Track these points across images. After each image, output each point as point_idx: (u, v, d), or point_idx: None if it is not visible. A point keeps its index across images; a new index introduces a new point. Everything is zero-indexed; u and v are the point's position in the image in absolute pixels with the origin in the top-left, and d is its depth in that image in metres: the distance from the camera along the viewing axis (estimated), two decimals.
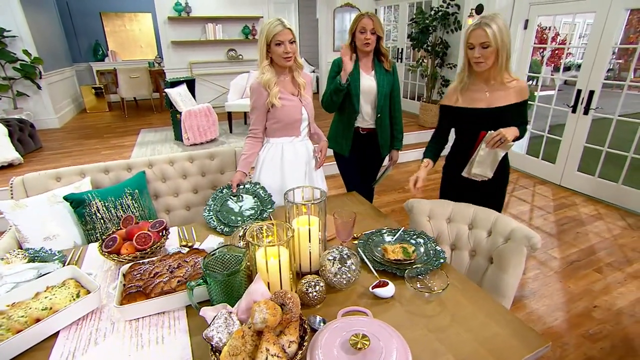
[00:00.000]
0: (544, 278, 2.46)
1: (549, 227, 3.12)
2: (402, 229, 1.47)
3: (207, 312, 0.93)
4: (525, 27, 4.04)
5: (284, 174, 1.90)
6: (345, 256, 1.15)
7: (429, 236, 1.42)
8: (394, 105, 2.19)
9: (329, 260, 1.15)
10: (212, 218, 1.63)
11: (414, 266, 1.21)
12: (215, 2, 6.19)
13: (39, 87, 5.43)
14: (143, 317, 1.07)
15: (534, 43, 4.08)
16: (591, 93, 3.49)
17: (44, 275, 1.19)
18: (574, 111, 3.67)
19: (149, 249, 1.31)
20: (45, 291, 1.10)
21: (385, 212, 1.85)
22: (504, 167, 1.71)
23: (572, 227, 3.09)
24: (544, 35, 7.03)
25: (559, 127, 3.95)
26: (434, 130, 1.88)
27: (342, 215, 1.30)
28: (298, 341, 0.87)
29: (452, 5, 4.86)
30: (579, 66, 4.08)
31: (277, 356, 0.80)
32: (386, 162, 2.37)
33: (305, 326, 0.92)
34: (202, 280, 1.02)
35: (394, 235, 1.43)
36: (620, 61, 9.45)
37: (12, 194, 1.74)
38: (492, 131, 1.57)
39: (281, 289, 1.04)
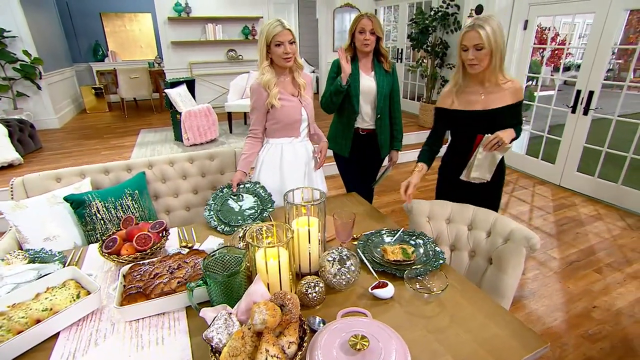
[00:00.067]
0: (543, 278, 2.46)
1: (549, 227, 3.12)
2: (402, 229, 1.47)
3: (207, 313, 0.93)
4: (525, 28, 4.05)
5: (283, 175, 1.91)
6: (344, 257, 1.15)
7: (429, 237, 1.42)
8: (393, 106, 2.20)
9: (329, 261, 1.15)
10: (212, 218, 1.63)
11: (413, 267, 1.21)
12: (215, 2, 6.19)
13: (39, 88, 5.43)
14: (143, 318, 1.07)
15: (534, 43, 4.08)
16: (591, 93, 3.49)
17: (44, 276, 1.19)
18: (573, 111, 3.68)
19: (149, 250, 1.31)
20: (45, 292, 1.10)
21: (384, 212, 1.85)
22: (500, 168, 1.71)
23: (571, 228, 3.10)
24: (544, 36, 7.04)
25: (559, 127, 3.96)
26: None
27: (341, 216, 1.30)
28: (297, 342, 0.87)
29: (451, 5, 4.86)
30: (578, 66, 4.09)
31: (277, 357, 0.80)
32: (386, 162, 2.37)
33: (305, 327, 0.92)
34: (202, 281, 1.03)
35: (394, 236, 1.43)
36: (620, 61, 9.45)
37: (12, 195, 1.74)
38: (489, 134, 1.57)
39: (281, 290, 1.04)
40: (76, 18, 7.61)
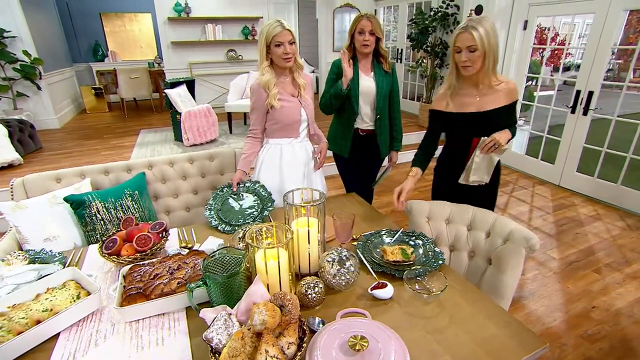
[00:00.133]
0: (542, 279, 2.46)
1: (548, 227, 3.12)
2: (401, 230, 1.47)
3: (206, 313, 0.93)
4: (525, 28, 4.05)
5: (282, 175, 1.91)
6: (344, 257, 1.16)
7: (428, 237, 1.42)
8: (393, 106, 2.20)
9: (328, 261, 1.15)
10: (213, 217, 1.64)
11: (412, 267, 1.22)
12: (215, 2, 6.19)
13: (39, 88, 5.43)
14: (143, 319, 1.07)
15: (534, 43, 4.08)
16: (590, 93, 3.49)
17: (44, 276, 1.19)
18: (573, 112, 3.68)
19: (149, 251, 1.31)
20: (45, 293, 1.11)
21: (384, 213, 1.86)
22: (495, 168, 1.71)
23: (571, 228, 3.10)
24: (544, 36, 7.05)
25: (558, 127, 3.96)
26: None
27: (341, 216, 1.31)
28: (297, 342, 0.87)
29: (451, 5, 4.86)
30: (578, 66, 4.09)
31: (276, 357, 0.80)
32: (385, 163, 2.38)
33: (305, 327, 0.92)
34: (201, 282, 1.03)
35: (393, 237, 1.43)
36: (619, 61, 9.46)
37: (12, 195, 1.74)
38: (485, 137, 1.56)
39: (280, 290, 1.05)
40: (76, 18, 7.62)
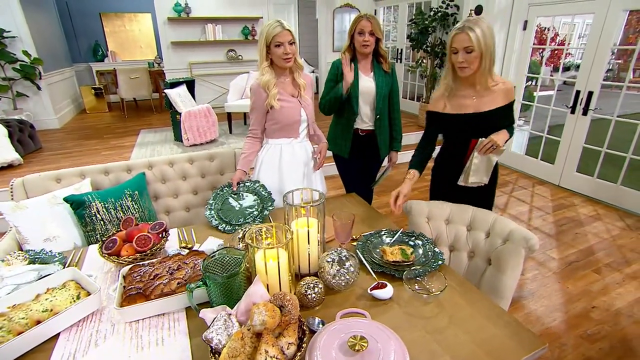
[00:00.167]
0: (542, 279, 2.46)
1: (548, 227, 3.13)
2: (401, 230, 1.47)
3: (206, 313, 0.93)
4: (525, 28, 4.05)
5: (282, 175, 1.91)
6: (343, 258, 1.16)
7: (428, 238, 1.42)
8: (392, 107, 2.20)
9: (328, 262, 1.15)
10: (213, 217, 1.64)
11: (412, 268, 1.22)
12: (215, 2, 6.19)
13: (39, 88, 5.43)
14: (143, 319, 1.08)
15: (533, 44, 4.08)
16: (590, 94, 3.50)
17: (44, 277, 1.19)
18: (572, 112, 3.68)
19: (148, 251, 1.31)
20: (45, 293, 1.11)
21: (384, 213, 1.85)
22: (493, 168, 1.71)
23: (570, 228, 3.10)
24: (543, 36, 7.05)
25: (558, 127, 3.96)
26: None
27: (341, 217, 1.31)
28: (297, 343, 0.87)
29: (451, 6, 4.87)
30: (578, 66, 4.09)
31: (276, 358, 0.80)
32: (385, 163, 2.38)
33: (304, 328, 0.93)
34: (201, 283, 1.03)
35: (393, 237, 1.44)
36: (619, 61, 9.46)
37: (12, 195, 1.74)
38: (483, 138, 1.56)
39: (280, 290, 1.05)
40: (76, 18, 7.61)
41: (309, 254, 1.21)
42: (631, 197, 3.35)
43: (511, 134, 1.63)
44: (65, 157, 4.41)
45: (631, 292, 2.32)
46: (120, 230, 1.44)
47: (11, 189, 1.75)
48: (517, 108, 4.32)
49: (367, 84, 2.08)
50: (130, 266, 1.22)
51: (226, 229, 1.59)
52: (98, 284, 1.17)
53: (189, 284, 1.03)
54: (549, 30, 7.37)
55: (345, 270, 1.13)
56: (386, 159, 2.34)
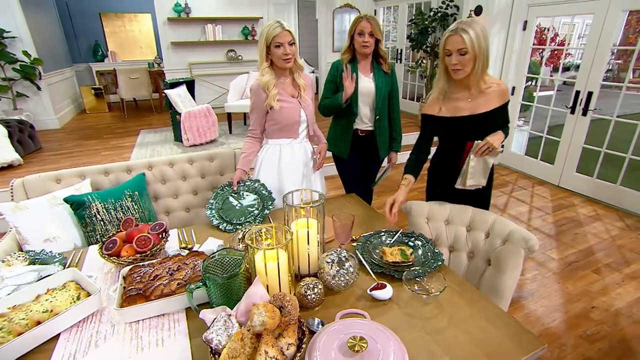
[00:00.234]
0: (542, 279, 2.47)
1: (548, 228, 3.13)
2: (401, 230, 1.47)
3: (206, 314, 0.93)
4: (524, 28, 4.05)
5: (281, 175, 1.92)
6: (343, 258, 1.16)
7: (427, 238, 1.43)
8: (392, 107, 2.20)
9: (328, 262, 1.15)
10: (214, 216, 1.65)
11: (411, 268, 1.22)
12: (215, 3, 6.19)
13: (39, 88, 5.43)
14: (143, 320, 1.08)
15: (533, 44, 4.09)
16: (590, 94, 3.50)
17: (44, 277, 1.19)
18: (572, 112, 3.68)
19: (148, 252, 1.31)
20: (45, 294, 1.11)
21: (383, 213, 1.85)
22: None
23: (570, 228, 3.10)
24: (543, 36, 7.05)
25: (558, 127, 3.96)
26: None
27: (340, 217, 1.31)
28: (296, 343, 0.88)
29: (451, 6, 4.87)
30: (577, 67, 4.10)
31: (276, 358, 0.80)
32: (385, 163, 2.38)
33: (304, 328, 0.93)
34: (201, 283, 1.03)
35: (393, 237, 1.44)
36: (619, 62, 9.47)
37: (12, 196, 1.75)
38: (479, 141, 1.55)
39: (280, 291, 1.05)
40: (76, 18, 7.61)
41: (308, 255, 1.21)
42: (631, 197, 3.36)
43: (506, 134, 1.62)
44: (65, 158, 4.41)
45: (630, 292, 2.32)
46: (120, 231, 1.45)
47: (11, 189, 1.75)
48: (517, 108, 4.32)
49: (367, 84, 2.08)
50: (130, 267, 1.22)
51: (227, 228, 1.60)
52: (98, 284, 1.17)
53: (189, 285, 1.03)
54: (548, 30, 7.37)
55: (345, 271, 1.14)
56: (386, 159, 2.35)
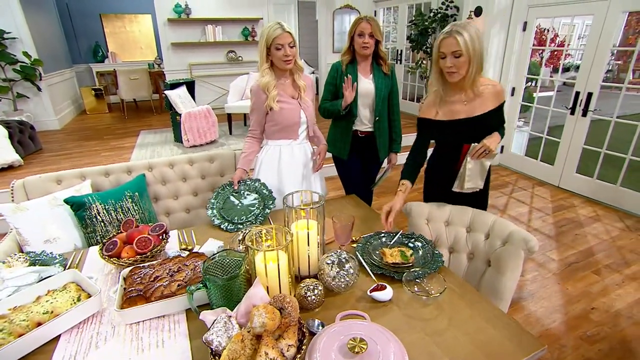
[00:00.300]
0: (542, 280, 2.47)
1: (548, 228, 3.13)
2: (401, 232, 1.48)
3: (206, 315, 0.93)
4: (524, 29, 4.06)
5: (281, 176, 1.92)
6: (343, 260, 1.16)
7: (427, 239, 1.43)
8: (392, 108, 2.21)
9: (328, 263, 1.16)
10: (215, 216, 1.65)
11: (411, 269, 1.22)
12: (215, 3, 6.20)
13: (39, 89, 5.43)
14: (143, 321, 1.08)
15: (533, 45, 4.09)
16: (590, 94, 3.50)
17: (45, 278, 1.20)
18: (572, 113, 3.68)
19: (149, 253, 1.31)
20: (46, 295, 1.11)
21: None
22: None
23: (570, 229, 3.11)
24: (543, 37, 7.06)
25: (558, 128, 3.97)
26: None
27: (340, 218, 1.31)
28: (297, 345, 0.88)
29: (451, 7, 4.88)
30: (577, 67, 4.10)
31: None
32: (385, 164, 2.38)
33: (304, 330, 0.93)
34: (202, 285, 1.03)
35: (392, 239, 1.44)
36: (619, 62, 9.47)
37: (12, 197, 1.75)
38: (476, 144, 1.55)
39: (280, 292, 1.05)
40: (76, 19, 7.62)
41: (308, 256, 1.21)
42: (631, 198, 3.36)
43: (502, 135, 1.62)
44: (66, 158, 4.41)
45: (631, 293, 2.32)
46: (121, 232, 1.45)
47: (12, 190, 1.75)
48: (517, 109, 4.33)
49: (367, 86, 2.09)
50: (130, 268, 1.22)
51: (228, 227, 1.60)
52: (98, 285, 1.18)
53: (189, 286, 1.03)
54: (548, 31, 7.38)
55: (345, 272, 1.14)
56: (385, 160, 2.35)
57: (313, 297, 1.07)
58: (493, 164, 1.64)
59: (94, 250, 1.47)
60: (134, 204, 1.81)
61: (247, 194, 1.77)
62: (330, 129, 2.31)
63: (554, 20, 4.02)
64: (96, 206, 1.70)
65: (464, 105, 1.56)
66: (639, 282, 2.42)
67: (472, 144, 1.56)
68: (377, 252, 1.36)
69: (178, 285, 1.13)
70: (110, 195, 1.77)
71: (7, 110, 5.23)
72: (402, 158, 2.38)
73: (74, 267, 1.35)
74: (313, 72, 8.04)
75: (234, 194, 1.77)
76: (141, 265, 1.25)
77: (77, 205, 1.68)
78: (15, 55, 5.08)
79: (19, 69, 5.10)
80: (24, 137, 4.49)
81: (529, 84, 5.07)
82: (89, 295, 1.13)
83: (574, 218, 3.30)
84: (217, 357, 0.85)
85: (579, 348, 1.92)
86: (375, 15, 6.54)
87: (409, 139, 5.08)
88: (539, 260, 2.69)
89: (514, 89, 4.28)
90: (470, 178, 1.62)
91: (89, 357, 0.96)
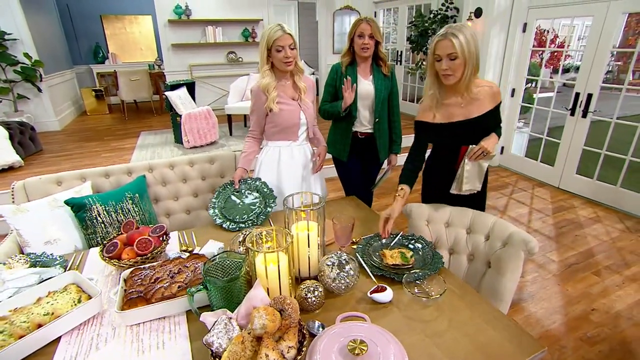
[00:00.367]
0: (542, 281, 2.47)
1: (548, 229, 3.13)
2: (401, 233, 1.48)
3: (207, 317, 0.94)
4: (524, 30, 4.06)
5: (280, 177, 1.93)
6: (343, 261, 1.16)
7: (427, 241, 1.43)
8: (392, 110, 2.21)
9: (328, 265, 1.16)
10: (217, 215, 1.66)
11: (412, 271, 1.22)
12: (215, 4, 6.21)
13: (40, 90, 5.44)
14: (144, 322, 1.08)
15: (533, 46, 4.09)
16: (589, 96, 3.50)
17: (45, 280, 1.20)
18: (572, 114, 3.69)
19: (149, 254, 1.32)
20: (47, 296, 1.11)
21: None
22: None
23: (570, 230, 3.11)
24: (543, 38, 7.06)
25: (558, 129, 3.97)
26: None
27: (340, 220, 1.31)
28: (297, 346, 0.88)
29: (451, 8, 4.88)
30: (577, 68, 4.11)
31: None
32: (385, 165, 2.38)
33: (304, 331, 0.93)
34: (202, 286, 1.03)
35: (393, 240, 1.44)
36: (619, 63, 9.47)
37: (13, 198, 1.75)
38: (473, 146, 1.55)
39: (280, 294, 1.05)
40: (76, 20, 7.64)
41: (309, 258, 1.21)
42: (631, 199, 3.36)
43: (499, 135, 1.62)
44: (66, 159, 4.41)
45: (631, 294, 2.32)
46: (121, 234, 1.45)
47: (12, 191, 1.75)
48: (517, 110, 4.33)
49: (366, 87, 2.09)
50: (131, 269, 1.23)
51: (230, 226, 1.61)
52: (99, 287, 1.18)
53: (189, 288, 1.03)
54: (548, 32, 7.38)
55: (345, 274, 1.14)
56: (386, 161, 2.35)
57: (313, 298, 1.07)
58: (492, 165, 1.64)
59: (95, 251, 1.47)
60: (134, 205, 1.81)
61: (248, 193, 1.78)
62: (330, 130, 2.31)
63: (553, 21, 4.03)
64: (96, 207, 1.70)
65: (460, 107, 1.56)
66: (639, 284, 2.42)
67: (470, 146, 1.56)
68: (377, 254, 1.36)
69: (178, 287, 1.13)
70: (110, 197, 1.77)
71: (8, 111, 5.24)
72: (402, 159, 2.38)
73: (75, 268, 1.36)
74: (313, 73, 8.04)
75: (235, 193, 1.78)
76: (141, 266, 1.25)
77: (78, 207, 1.68)
78: (15, 57, 5.09)
79: (19, 70, 5.12)
80: (25, 138, 4.50)
81: (529, 85, 5.08)
82: (90, 297, 1.13)
83: (574, 219, 3.30)
84: (217, 359, 0.85)
85: (579, 349, 1.92)
86: (375, 17, 6.55)
87: (409, 140, 5.08)
88: (539, 261, 2.69)
89: (514, 90, 4.29)
90: (468, 180, 1.62)
91: (89, 358, 0.96)
